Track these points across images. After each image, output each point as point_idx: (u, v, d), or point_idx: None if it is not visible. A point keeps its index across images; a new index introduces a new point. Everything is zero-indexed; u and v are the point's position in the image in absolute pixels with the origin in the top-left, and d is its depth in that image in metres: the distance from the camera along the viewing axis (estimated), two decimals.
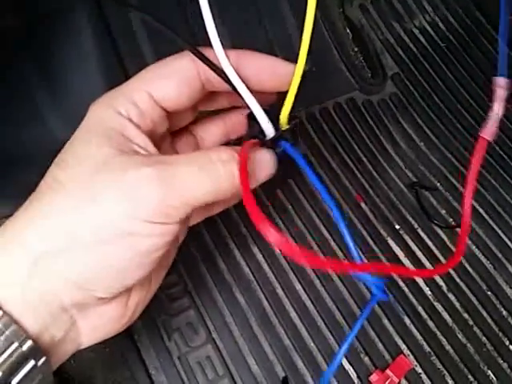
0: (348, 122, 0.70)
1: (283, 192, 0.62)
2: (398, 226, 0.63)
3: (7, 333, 0.28)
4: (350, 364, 0.54)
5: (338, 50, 0.75)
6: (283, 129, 0.37)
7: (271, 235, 0.26)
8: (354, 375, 0.54)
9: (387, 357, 0.55)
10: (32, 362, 0.30)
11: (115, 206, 0.30)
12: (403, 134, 0.71)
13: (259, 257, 0.58)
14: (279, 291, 0.56)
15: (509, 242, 0.64)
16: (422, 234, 0.63)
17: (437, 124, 0.72)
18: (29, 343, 0.29)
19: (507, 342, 0.58)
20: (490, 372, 0.56)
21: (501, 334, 0.58)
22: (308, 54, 0.34)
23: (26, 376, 0.30)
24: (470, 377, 0.55)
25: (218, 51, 0.35)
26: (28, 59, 0.57)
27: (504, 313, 0.59)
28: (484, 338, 0.58)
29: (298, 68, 0.35)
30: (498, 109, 0.40)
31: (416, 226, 0.63)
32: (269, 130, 0.37)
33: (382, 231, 0.62)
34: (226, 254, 0.58)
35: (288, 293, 0.56)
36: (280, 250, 0.29)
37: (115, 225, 0.30)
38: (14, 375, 0.29)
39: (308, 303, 0.56)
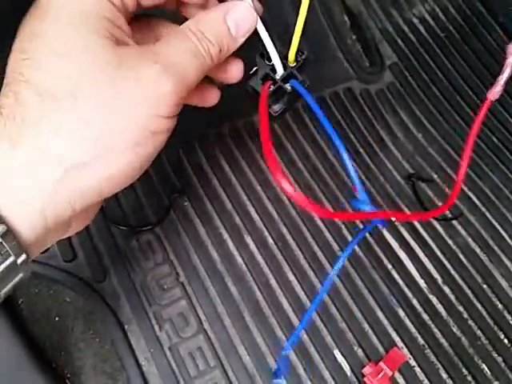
0: (345, 111, 0.69)
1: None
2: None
3: (7, 247, 0.28)
4: (344, 356, 0.54)
5: (336, 38, 0.74)
6: (291, 65, 0.39)
7: (286, 187, 0.31)
8: (347, 367, 0.53)
9: (381, 349, 0.55)
10: (20, 275, 0.30)
11: (141, 106, 0.30)
12: (401, 125, 0.70)
13: (252, 247, 0.57)
14: (272, 282, 0.56)
15: (505, 235, 0.64)
16: (418, 226, 0.62)
17: (435, 115, 0.71)
18: (23, 257, 0.29)
19: (502, 336, 0.57)
20: (484, 365, 0.56)
21: (496, 328, 0.58)
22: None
23: (12, 286, 0.30)
24: (464, 370, 0.55)
25: None
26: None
27: (499, 306, 0.59)
28: (479, 332, 0.57)
29: (304, 2, 0.35)
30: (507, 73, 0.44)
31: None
32: (279, 68, 0.38)
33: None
34: (219, 244, 0.57)
35: (281, 284, 0.56)
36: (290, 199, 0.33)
37: (143, 125, 0.30)
38: (4, 287, 0.29)
39: (301, 295, 0.56)
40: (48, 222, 0.29)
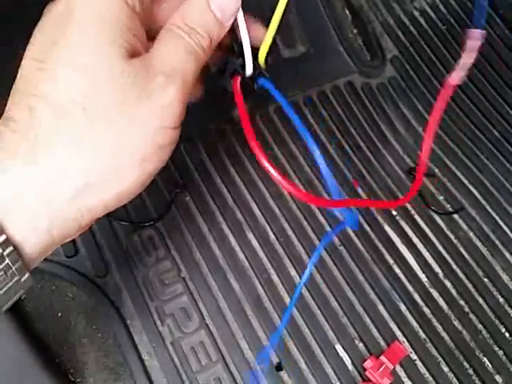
0: (346, 105, 0.69)
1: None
2: (394, 212, 0.62)
3: (13, 268, 0.28)
4: (345, 350, 0.54)
5: (337, 32, 0.74)
6: (262, 66, 0.38)
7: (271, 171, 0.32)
8: (348, 361, 0.53)
9: (382, 343, 0.55)
10: (21, 292, 0.30)
11: (149, 119, 0.30)
12: (402, 119, 0.70)
13: (254, 243, 0.57)
14: (274, 278, 0.56)
15: (506, 228, 0.64)
16: (419, 221, 0.62)
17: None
18: (27, 275, 0.29)
19: (503, 329, 0.58)
20: (485, 359, 0.56)
21: (497, 321, 0.58)
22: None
23: (13, 302, 0.30)
24: (465, 364, 0.55)
25: None
26: (16, 31, 0.55)
27: (500, 300, 0.59)
28: (480, 325, 0.57)
29: (280, 4, 0.34)
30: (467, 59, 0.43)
31: (413, 212, 0.63)
32: (250, 66, 0.37)
33: (378, 217, 0.61)
34: (221, 239, 0.57)
35: (283, 279, 0.56)
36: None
37: (151, 140, 0.30)
38: (5, 303, 0.30)
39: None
40: (54, 240, 0.30)
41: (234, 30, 0.35)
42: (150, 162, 0.31)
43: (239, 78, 0.37)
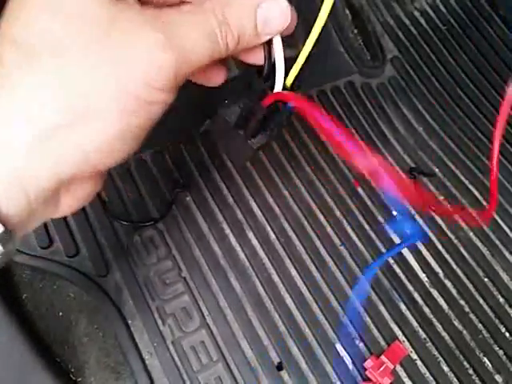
0: (346, 105, 0.69)
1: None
2: (395, 212, 0.62)
3: None
4: (345, 350, 0.54)
5: (337, 32, 0.74)
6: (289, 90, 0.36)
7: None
8: (348, 361, 0.53)
9: (382, 343, 0.55)
10: (1, 250, 0.28)
11: (132, 73, 0.28)
12: (402, 119, 0.70)
13: (254, 242, 0.57)
14: (275, 277, 0.56)
15: (506, 229, 0.64)
16: (419, 220, 0.62)
17: (436, 108, 0.71)
18: (1, 228, 0.27)
19: (503, 329, 0.58)
20: (485, 359, 0.56)
21: (497, 321, 0.58)
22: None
23: None
24: (465, 363, 0.55)
25: None
26: None
27: (500, 299, 0.59)
28: (480, 325, 0.58)
29: (315, 30, 0.34)
30: None
31: (413, 211, 0.63)
32: (279, 87, 0.35)
33: (379, 217, 0.61)
34: (222, 239, 0.57)
35: (284, 279, 0.56)
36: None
37: (135, 94, 0.28)
38: None
39: (303, 289, 0.56)
40: (30, 199, 0.28)
41: (267, 46, 0.34)
42: (136, 115, 0.29)
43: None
